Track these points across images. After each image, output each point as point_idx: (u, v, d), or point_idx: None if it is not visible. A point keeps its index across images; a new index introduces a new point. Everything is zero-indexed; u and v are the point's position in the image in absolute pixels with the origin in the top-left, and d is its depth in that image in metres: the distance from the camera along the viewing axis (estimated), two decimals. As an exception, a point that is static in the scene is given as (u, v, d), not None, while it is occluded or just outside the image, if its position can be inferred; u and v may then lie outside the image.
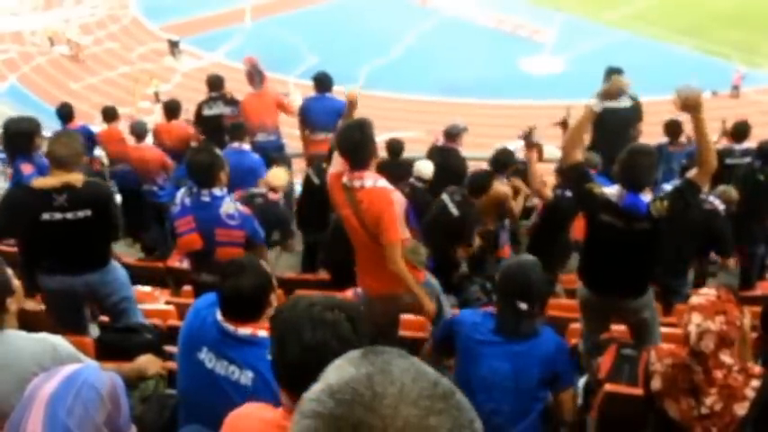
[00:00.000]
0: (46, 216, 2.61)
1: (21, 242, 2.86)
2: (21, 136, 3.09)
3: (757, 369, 1.71)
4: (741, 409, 1.66)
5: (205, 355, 1.68)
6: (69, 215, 2.62)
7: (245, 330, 1.65)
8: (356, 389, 0.59)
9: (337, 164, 2.50)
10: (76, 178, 2.64)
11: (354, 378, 0.60)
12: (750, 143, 4.37)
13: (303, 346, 1.09)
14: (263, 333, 1.65)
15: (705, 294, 1.73)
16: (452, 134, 4.80)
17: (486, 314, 2.05)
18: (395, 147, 4.62)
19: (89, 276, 2.79)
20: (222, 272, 1.73)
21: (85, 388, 1.29)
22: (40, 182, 2.70)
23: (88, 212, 2.65)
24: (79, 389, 1.28)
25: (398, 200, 2.45)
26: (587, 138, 3.83)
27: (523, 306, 1.91)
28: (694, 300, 1.74)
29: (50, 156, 2.69)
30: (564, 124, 4.35)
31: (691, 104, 2.32)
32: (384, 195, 2.42)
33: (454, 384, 0.62)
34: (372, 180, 2.41)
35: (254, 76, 5.39)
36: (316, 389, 0.61)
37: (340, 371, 0.62)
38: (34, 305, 2.85)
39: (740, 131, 4.42)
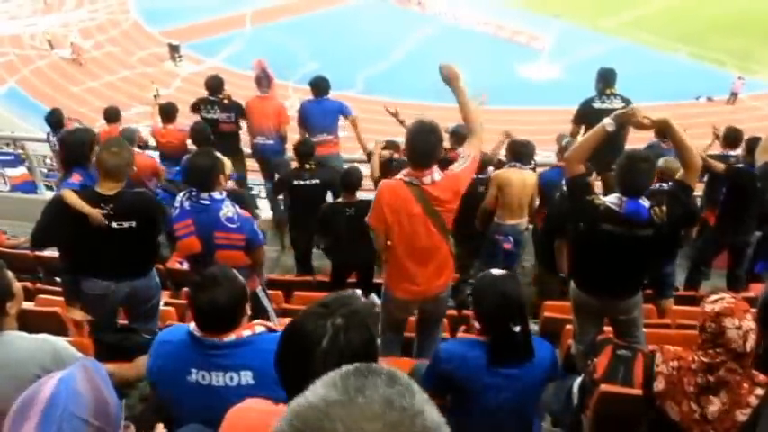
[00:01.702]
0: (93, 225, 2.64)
1: (64, 249, 2.86)
2: (79, 146, 3.04)
3: (762, 377, 1.72)
4: (742, 416, 1.68)
5: (196, 375, 1.64)
6: (114, 224, 2.65)
7: (228, 337, 1.63)
8: (308, 419, 0.60)
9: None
10: (117, 191, 2.66)
11: (315, 405, 0.61)
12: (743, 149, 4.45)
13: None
14: (247, 332, 1.65)
15: (721, 299, 1.73)
16: (463, 134, 4.81)
17: (473, 344, 1.86)
18: (391, 147, 4.67)
19: (134, 282, 2.83)
20: (195, 286, 1.67)
21: (66, 421, 1.16)
22: (69, 195, 2.67)
23: (133, 223, 2.68)
24: (60, 425, 1.15)
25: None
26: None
27: (518, 329, 1.75)
28: (716, 306, 1.72)
29: (100, 165, 2.68)
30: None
31: (662, 127, 2.48)
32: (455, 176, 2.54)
33: (450, 417, 0.63)
34: (438, 173, 2.48)
35: (262, 79, 5.46)
36: (291, 405, 0.63)
37: (314, 392, 0.63)
38: (81, 315, 2.85)
39: (732, 138, 4.50)
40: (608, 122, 2.47)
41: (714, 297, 1.77)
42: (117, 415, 1.27)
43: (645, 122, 2.43)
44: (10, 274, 1.79)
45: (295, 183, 4.39)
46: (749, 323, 1.68)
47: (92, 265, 2.77)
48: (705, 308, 1.77)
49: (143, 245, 2.81)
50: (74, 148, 3.08)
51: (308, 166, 4.34)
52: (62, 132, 3.28)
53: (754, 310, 2.41)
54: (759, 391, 1.68)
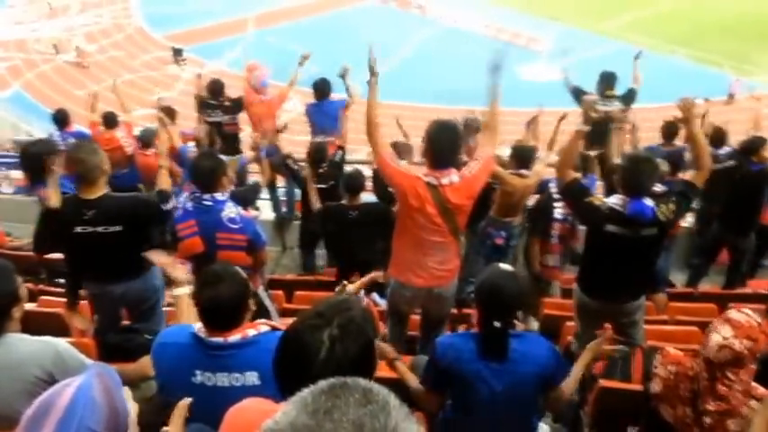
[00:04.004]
0: (78, 229, 2.64)
1: (64, 254, 2.91)
2: (38, 159, 3.02)
3: (761, 390, 1.70)
4: (734, 426, 1.67)
5: (201, 377, 1.63)
6: (100, 229, 2.64)
7: (234, 337, 1.63)
8: None
9: (409, 166, 2.60)
10: (99, 195, 2.63)
11: (291, 426, 0.61)
12: (731, 147, 4.51)
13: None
14: (252, 332, 1.65)
15: (748, 315, 1.70)
16: (476, 127, 4.82)
17: (467, 336, 1.94)
18: (400, 148, 4.70)
19: (128, 284, 2.85)
20: (198, 283, 1.68)
21: None
22: (55, 200, 2.68)
23: (118, 228, 2.65)
24: None
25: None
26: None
27: (497, 324, 1.80)
28: (734, 314, 1.72)
29: (70, 172, 2.66)
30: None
31: (685, 117, 2.50)
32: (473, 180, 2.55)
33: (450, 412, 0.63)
34: (456, 174, 2.48)
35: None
36: (262, 427, 0.63)
37: (285, 414, 0.62)
38: (81, 323, 2.87)
39: (718, 137, 4.61)
40: (581, 125, 2.55)
41: (746, 310, 1.74)
42: (125, 423, 1.28)
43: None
44: (19, 279, 1.81)
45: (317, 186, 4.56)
46: (735, 342, 1.64)
47: (85, 267, 2.79)
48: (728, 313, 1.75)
49: (132, 248, 2.76)
50: (34, 162, 3.06)
51: (320, 171, 4.50)
52: (23, 143, 3.28)
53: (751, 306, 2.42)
54: (754, 403, 1.66)
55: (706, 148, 2.53)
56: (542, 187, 3.98)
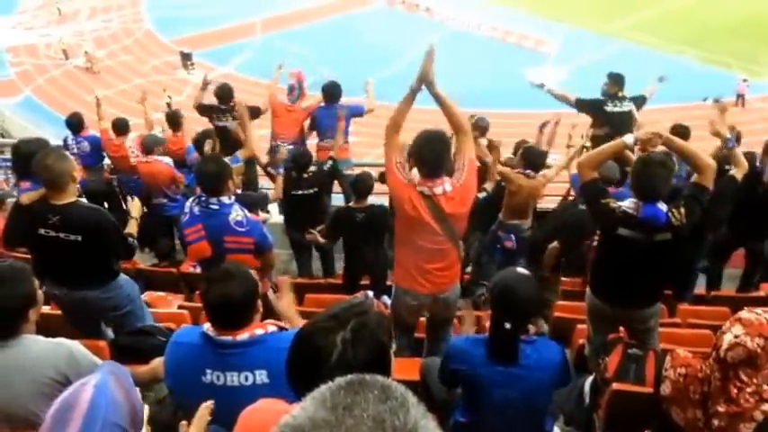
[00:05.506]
0: (42, 231, 2.62)
1: (29, 252, 2.92)
2: (30, 157, 2.93)
3: None
4: (745, 429, 1.65)
5: (211, 376, 1.64)
6: (62, 235, 2.62)
7: (242, 335, 1.63)
8: None
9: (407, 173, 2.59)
10: (67, 202, 2.61)
11: (301, 428, 0.60)
12: (743, 148, 4.45)
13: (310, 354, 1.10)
14: (260, 331, 1.65)
15: (758, 314, 1.68)
16: (484, 126, 4.80)
17: (479, 341, 1.93)
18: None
19: (87, 292, 2.81)
20: (208, 281, 1.67)
21: (108, 429, 1.18)
22: (28, 197, 2.70)
23: (78, 237, 2.63)
24: None
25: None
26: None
27: (508, 326, 1.79)
28: (745, 313, 1.70)
29: (39, 176, 2.63)
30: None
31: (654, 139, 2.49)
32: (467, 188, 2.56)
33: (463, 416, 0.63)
34: (449, 183, 2.48)
35: (295, 90, 5.55)
36: (280, 424, 0.62)
37: (304, 410, 0.62)
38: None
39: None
40: (630, 140, 2.50)
41: (757, 310, 1.73)
42: (142, 418, 1.31)
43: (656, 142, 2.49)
44: (36, 281, 1.83)
45: (293, 193, 4.46)
46: (747, 340, 1.63)
47: (46, 268, 2.77)
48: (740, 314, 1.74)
49: (92, 259, 2.74)
50: (25, 160, 3.02)
51: (305, 175, 4.42)
52: (17, 141, 3.31)
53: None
54: (765, 407, 1.64)
55: (694, 151, 2.49)
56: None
